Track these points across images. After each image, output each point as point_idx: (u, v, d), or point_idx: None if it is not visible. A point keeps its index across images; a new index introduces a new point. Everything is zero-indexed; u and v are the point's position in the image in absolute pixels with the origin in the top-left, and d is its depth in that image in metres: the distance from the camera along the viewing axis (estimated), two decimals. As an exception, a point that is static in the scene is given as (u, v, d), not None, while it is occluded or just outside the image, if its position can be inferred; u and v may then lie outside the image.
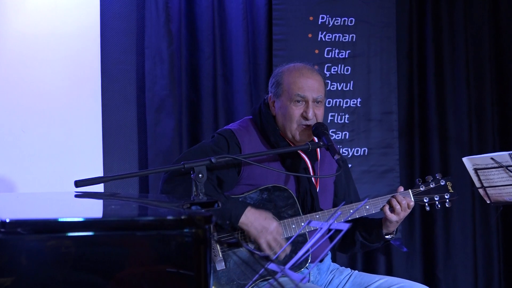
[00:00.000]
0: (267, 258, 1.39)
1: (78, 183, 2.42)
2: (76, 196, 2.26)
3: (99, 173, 4.30)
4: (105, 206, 1.91)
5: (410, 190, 3.14)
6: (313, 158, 3.11)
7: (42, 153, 4.15)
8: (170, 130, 4.46)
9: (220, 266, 2.91)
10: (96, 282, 1.33)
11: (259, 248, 2.94)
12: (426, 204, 3.17)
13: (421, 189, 3.16)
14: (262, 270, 1.86)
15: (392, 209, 3.03)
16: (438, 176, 3.21)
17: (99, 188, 4.25)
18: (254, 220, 2.90)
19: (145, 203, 2.00)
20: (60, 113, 4.20)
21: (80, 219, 1.32)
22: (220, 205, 1.89)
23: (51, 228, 1.32)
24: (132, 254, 1.34)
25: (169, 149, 4.43)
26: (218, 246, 2.92)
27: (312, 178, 3.09)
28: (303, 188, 3.06)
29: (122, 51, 4.52)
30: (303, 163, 3.07)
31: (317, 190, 3.11)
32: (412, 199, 3.11)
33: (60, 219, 1.31)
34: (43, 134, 4.16)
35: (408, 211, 3.06)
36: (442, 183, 3.19)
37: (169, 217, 1.38)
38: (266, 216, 2.93)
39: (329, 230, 1.58)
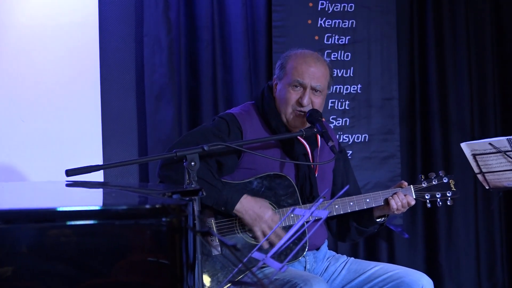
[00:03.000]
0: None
1: (68, 173, 2.43)
2: (67, 185, 2.25)
3: (99, 162, 4.29)
4: (80, 196, 1.90)
5: (412, 186, 3.14)
6: (314, 145, 3.10)
7: (42, 142, 4.15)
8: (169, 118, 4.44)
9: (216, 251, 2.91)
10: (69, 272, 1.33)
11: (254, 236, 2.94)
12: (428, 200, 3.17)
13: (423, 185, 3.16)
14: (246, 259, 1.85)
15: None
16: (441, 173, 3.20)
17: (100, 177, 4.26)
18: (249, 208, 2.89)
19: (127, 191, 1.98)
20: (60, 102, 4.20)
21: (47, 209, 1.31)
22: (204, 193, 1.88)
23: (24, 219, 1.31)
24: (106, 243, 1.34)
25: (168, 137, 4.41)
26: (215, 231, 2.92)
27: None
28: (302, 173, 3.06)
29: (120, 39, 4.51)
30: (303, 148, 3.06)
31: (316, 175, 3.10)
32: (414, 196, 3.11)
33: (28, 209, 1.31)
34: (42, 124, 4.16)
35: (407, 207, 3.07)
36: (444, 181, 3.19)
37: (142, 206, 1.37)
38: (262, 204, 2.92)
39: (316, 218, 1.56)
